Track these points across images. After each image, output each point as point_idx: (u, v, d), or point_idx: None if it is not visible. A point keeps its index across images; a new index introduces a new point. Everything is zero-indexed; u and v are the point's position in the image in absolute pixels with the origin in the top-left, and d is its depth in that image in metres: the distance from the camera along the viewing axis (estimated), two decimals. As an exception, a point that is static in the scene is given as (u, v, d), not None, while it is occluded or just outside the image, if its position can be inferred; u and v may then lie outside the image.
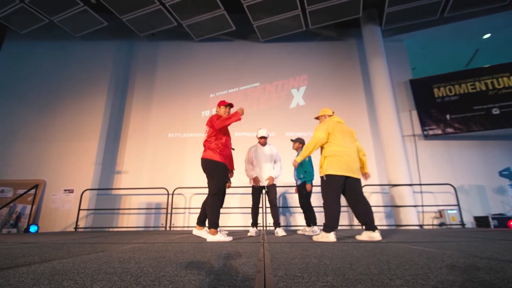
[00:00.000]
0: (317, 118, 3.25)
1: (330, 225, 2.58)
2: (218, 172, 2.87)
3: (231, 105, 3.18)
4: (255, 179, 3.63)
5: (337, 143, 2.79)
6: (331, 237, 2.51)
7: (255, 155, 3.81)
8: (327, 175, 2.72)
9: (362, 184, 6.28)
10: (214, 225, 2.75)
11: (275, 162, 3.82)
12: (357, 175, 2.77)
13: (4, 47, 8.09)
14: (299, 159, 2.97)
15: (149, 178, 6.81)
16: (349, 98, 7.50)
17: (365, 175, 2.98)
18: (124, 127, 7.45)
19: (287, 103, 7.55)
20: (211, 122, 2.99)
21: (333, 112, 3.17)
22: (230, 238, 2.75)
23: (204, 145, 2.99)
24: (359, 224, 5.95)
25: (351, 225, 6.18)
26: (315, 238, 2.64)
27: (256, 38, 8.08)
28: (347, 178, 2.73)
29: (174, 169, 6.87)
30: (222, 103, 3.16)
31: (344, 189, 2.78)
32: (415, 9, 6.79)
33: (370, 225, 2.61)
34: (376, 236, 2.55)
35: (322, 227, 2.68)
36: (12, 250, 1.97)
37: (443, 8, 6.78)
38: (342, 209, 3.01)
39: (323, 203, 2.74)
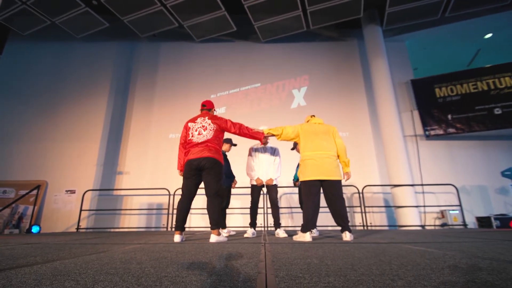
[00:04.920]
0: None
1: (306, 226, 2.69)
2: (222, 174, 2.90)
3: None
4: (257, 180, 3.56)
5: (309, 148, 2.86)
6: (306, 237, 2.62)
7: (256, 154, 3.74)
8: (302, 182, 2.85)
9: (363, 185, 6.28)
10: (221, 225, 2.76)
11: (275, 161, 3.75)
12: (333, 176, 2.75)
13: (7, 49, 8.13)
14: (267, 131, 3.11)
15: (151, 179, 6.82)
16: (350, 98, 7.49)
17: (345, 175, 2.96)
18: (126, 128, 7.48)
19: (288, 104, 7.55)
20: (225, 123, 2.93)
21: (312, 116, 3.19)
22: (225, 239, 2.78)
23: (208, 144, 2.81)
24: (362, 224, 5.95)
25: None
26: (294, 238, 2.75)
27: (257, 39, 8.09)
28: (323, 180, 2.78)
29: (176, 169, 6.85)
30: (213, 106, 3.23)
31: (323, 190, 2.85)
32: (416, 9, 6.78)
33: (342, 227, 2.72)
34: (343, 236, 2.65)
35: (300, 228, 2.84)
36: (14, 250, 1.98)
37: (444, 8, 6.77)
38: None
39: (302, 206, 2.92)
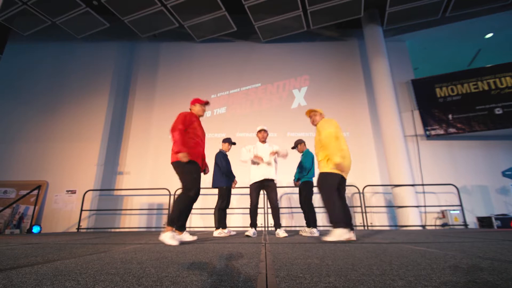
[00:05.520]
0: (311, 112, 3.07)
1: (341, 220, 2.47)
2: (189, 170, 2.61)
3: (206, 103, 2.98)
4: (256, 157, 3.40)
5: (342, 144, 2.76)
6: (345, 234, 2.38)
7: (255, 152, 3.62)
8: (330, 173, 2.66)
9: (364, 185, 6.28)
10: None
11: (275, 161, 3.62)
12: (346, 175, 2.77)
13: (7, 49, 8.17)
14: (339, 159, 2.60)
15: (151, 179, 6.82)
16: (351, 98, 7.48)
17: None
18: (126, 128, 7.48)
19: (288, 104, 7.55)
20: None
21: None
22: (176, 243, 2.27)
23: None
24: (362, 224, 5.94)
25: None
26: (327, 239, 2.44)
27: (257, 39, 8.09)
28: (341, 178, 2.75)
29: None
30: (196, 101, 2.94)
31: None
32: (417, 9, 6.78)
33: (350, 224, 2.67)
34: (351, 236, 2.54)
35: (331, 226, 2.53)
36: (15, 250, 1.98)
37: (444, 8, 6.77)
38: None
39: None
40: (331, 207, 2.50)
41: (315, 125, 3.01)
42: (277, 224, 3.39)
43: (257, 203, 3.46)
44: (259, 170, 3.49)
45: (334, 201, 2.52)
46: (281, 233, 3.27)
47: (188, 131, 2.72)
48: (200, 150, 2.79)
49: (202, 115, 2.98)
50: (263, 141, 3.69)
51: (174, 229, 2.44)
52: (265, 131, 3.70)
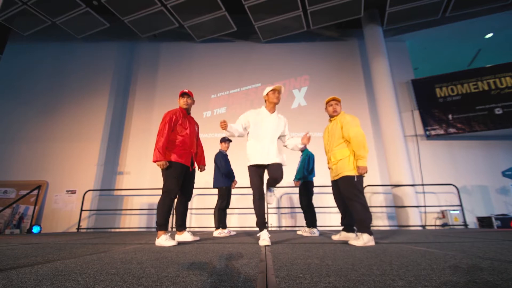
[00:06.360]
0: (337, 101, 2.87)
1: (369, 223, 2.40)
2: (170, 172, 2.62)
3: (186, 94, 3.07)
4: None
5: None
6: (372, 240, 2.30)
7: (256, 122, 2.64)
8: (360, 176, 2.56)
9: (365, 184, 6.29)
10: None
11: (282, 136, 2.78)
12: None
13: (7, 49, 8.17)
14: (365, 162, 2.53)
15: (151, 179, 6.82)
16: (351, 98, 7.48)
17: None
18: (126, 128, 7.48)
19: (288, 104, 7.55)
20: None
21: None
22: (174, 243, 2.34)
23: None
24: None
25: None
26: (354, 243, 2.26)
27: (257, 39, 8.09)
28: None
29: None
30: (179, 95, 3.05)
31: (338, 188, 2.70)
32: (417, 9, 6.78)
33: (352, 227, 2.73)
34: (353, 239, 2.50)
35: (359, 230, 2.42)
36: (15, 250, 1.98)
37: (444, 8, 6.77)
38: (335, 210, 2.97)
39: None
40: (366, 212, 2.44)
41: (335, 115, 2.82)
42: (270, 188, 2.64)
43: (262, 189, 2.52)
44: (258, 149, 2.58)
45: (366, 206, 2.48)
46: (266, 237, 2.34)
47: (175, 129, 2.79)
48: (186, 148, 2.78)
49: (186, 107, 3.04)
50: (275, 103, 2.70)
51: (166, 232, 2.47)
52: (279, 92, 2.70)
